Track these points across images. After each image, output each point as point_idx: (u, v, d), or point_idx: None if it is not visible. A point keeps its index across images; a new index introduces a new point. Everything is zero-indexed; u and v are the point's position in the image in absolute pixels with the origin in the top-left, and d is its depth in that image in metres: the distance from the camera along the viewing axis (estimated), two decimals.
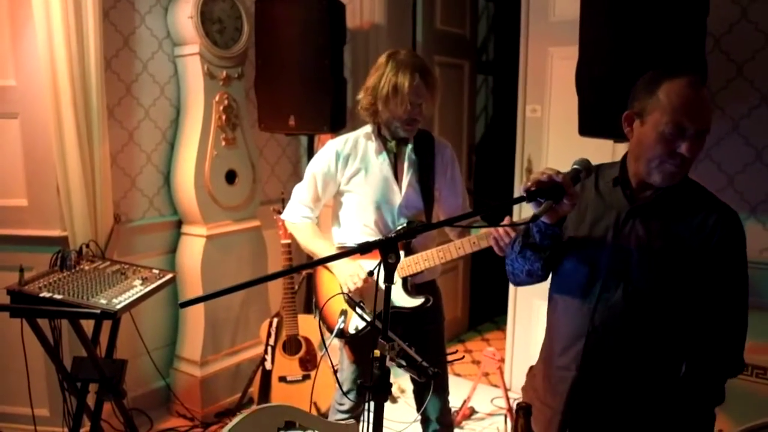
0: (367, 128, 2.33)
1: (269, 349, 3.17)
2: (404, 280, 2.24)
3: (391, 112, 2.18)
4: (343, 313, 2.20)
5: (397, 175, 2.30)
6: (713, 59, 2.39)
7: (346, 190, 2.33)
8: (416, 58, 2.24)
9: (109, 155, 2.99)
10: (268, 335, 3.18)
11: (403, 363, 1.44)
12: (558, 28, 3.34)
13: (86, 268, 2.51)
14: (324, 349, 1.98)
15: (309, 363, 3.22)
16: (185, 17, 3.15)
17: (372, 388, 1.43)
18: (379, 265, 1.42)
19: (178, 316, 3.43)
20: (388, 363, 1.42)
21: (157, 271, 2.62)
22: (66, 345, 2.59)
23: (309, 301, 3.69)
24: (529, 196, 1.43)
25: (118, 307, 2.22)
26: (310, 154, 3.62)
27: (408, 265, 2.21)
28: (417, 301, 2.22)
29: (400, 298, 2.22)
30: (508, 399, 3.20)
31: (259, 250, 3.60)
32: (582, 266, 1.58)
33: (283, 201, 3.28)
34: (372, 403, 1.43)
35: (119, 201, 3.17)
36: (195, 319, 3.34)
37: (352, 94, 3.75)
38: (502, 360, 3.47)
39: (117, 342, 2.62)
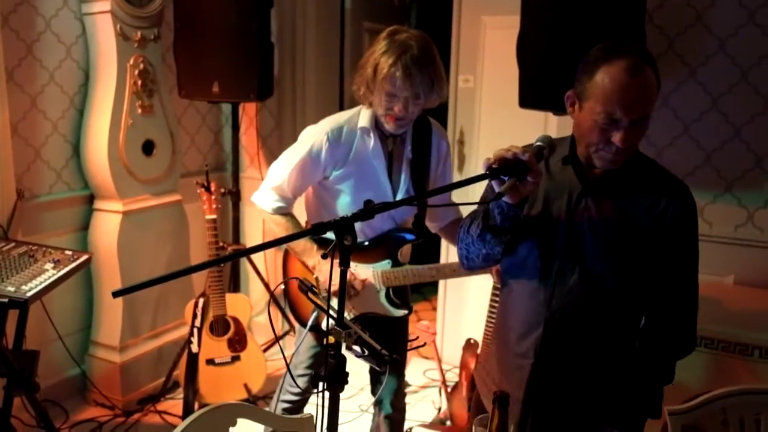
0: (364, 118, 2.00)
1: (195, 330, 3.00)
2: (388, 290, 2.09)
3: (373, 98, 1.93)
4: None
5: (393, 179, 2.06)
6: (647, 32, 2.40)
7: (333, 188, 2.05)
8: (415, 43, 1.87)
9: (9, 123, 2.69)
10: (194, 316, 3.00)
11: (361, 352, 1.35)
12: None
13: None
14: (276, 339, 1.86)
15: (238, 344, 3.07)
16: None
17: (327, 378, 1.33)
18: (334, 247, 1.31)
19: (92, 298, 3.18)
20: (344, 351, 1.33)
21: (70, 253, 2.39)
22: None
23: (236, 279, 3.54)
24: (493, 173, 1.35)
25: (29, 294, 2.01)
26: (235, 123, 3.42)
27: (395, 276, 2.06)
28: (399, 312, 2.10)
29: (382, 307, 2.10)
30: (442, 372, 3.20)
31: (180, 226, 3.38)
32: (537, 249, 1.53)
33: (207, 173, 3.10)
34: (327, 394, 1.33)
35: (22, 175, 2.87)
36: (111, 301, 3.10)
37: (279, 61, 3.57)
38: (435, 333, 3.46)
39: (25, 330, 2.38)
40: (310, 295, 1.47)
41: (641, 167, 1.52)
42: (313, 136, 2.01)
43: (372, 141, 2.01)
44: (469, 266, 1.66)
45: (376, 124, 2.01)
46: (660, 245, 1.48)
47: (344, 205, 2.04)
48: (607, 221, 1.47)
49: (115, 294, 1.18)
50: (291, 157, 2.03)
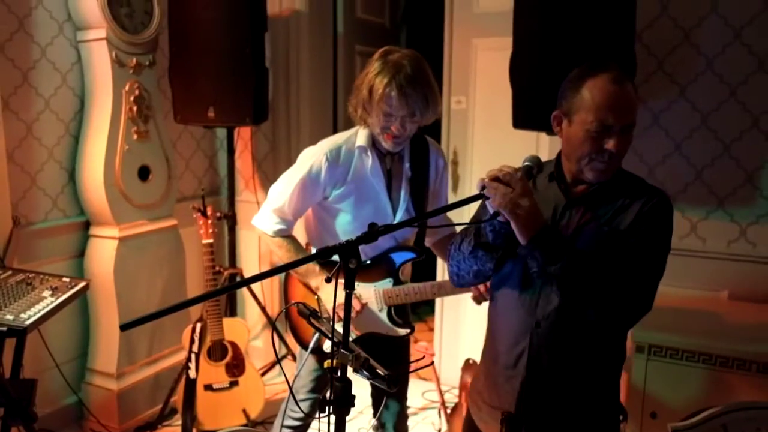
0: (361, 137, 2.03)
1: (193, 356, 2.98)
2: (390, 309, 2.09)
3: (370, 118, 1.96)
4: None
5: (392, 197, 2.08)
6: (636, 52, 2.45)
7: (333, 208, 2.07)
8: (408, 62, 1.89)
9: (5, 151, 2.69)
10: (191, 342, 2.99)
11: (367, 374, 1.36)
12: (482, 19, 3.34)
13: None
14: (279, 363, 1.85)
15: (236, 369, 3.06)
16: None
17: (333, 402, 1.33)
18: (338, 270, 1.32)
19: (88, 325, 3.16)
20: (351, 374, 1.34)
21: (68, 280, 2.38)
22: None
23: (233, 303, 3.52)
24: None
25: (28, 323, 1.99)
26: (230, 147, 3.43)
27: (397, 295, 2.07)
28: (402, 331, 2.10)
29: (385, 327, 2.10)
30: (441, 393, 3.19)
31: (176, 251, 3.38)
32: (522, 262, 1.56)
33: (203, 198, 3.11)
34: (333, 417, 1.33)
35: (18, 202, 2.86)
36: (107, 328, 3.09)
37: (273, 85, 3.60)
38: (433, 354, 3.45)
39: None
40: (312, 320, 1.47)
41: (622, 180, 1.57)
42: (312, 156, 2.03)
43: (370, 160, 2.03)
44: (459, 283, 1.71)
45: (374, 143, 2.04)
46: (633, 230, 1.48)
47: (345, 224, 2.06)
48: (589, 229, 1.51)
49: (123, 327, 1.19)
50: (290, 179, 2.04)
